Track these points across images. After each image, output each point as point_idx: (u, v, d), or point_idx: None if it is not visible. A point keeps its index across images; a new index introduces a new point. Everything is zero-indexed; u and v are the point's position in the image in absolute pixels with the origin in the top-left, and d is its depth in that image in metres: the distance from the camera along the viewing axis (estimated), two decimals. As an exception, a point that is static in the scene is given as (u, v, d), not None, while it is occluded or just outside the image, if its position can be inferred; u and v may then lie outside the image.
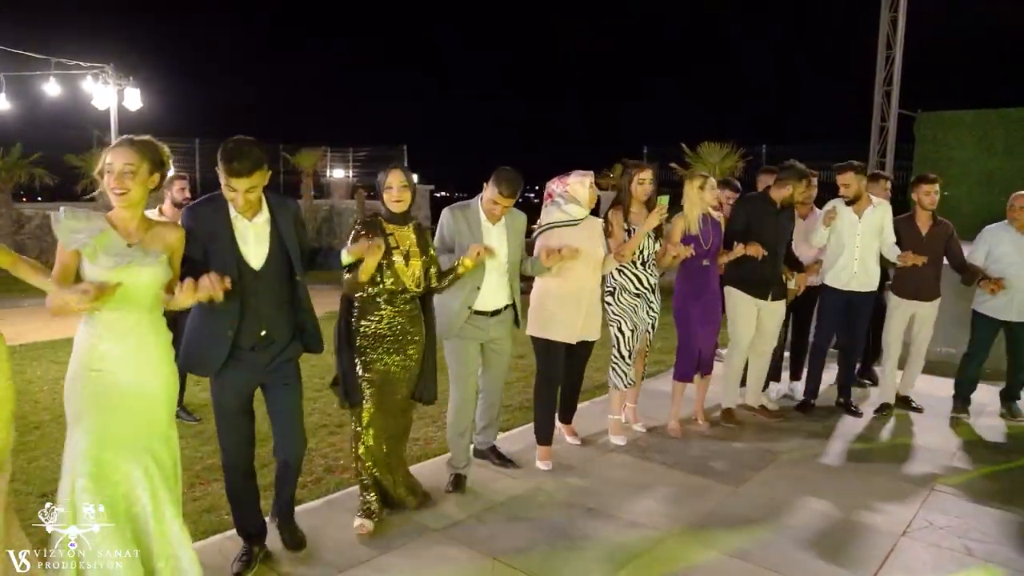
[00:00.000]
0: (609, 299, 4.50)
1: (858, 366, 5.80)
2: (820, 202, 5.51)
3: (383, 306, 3.28)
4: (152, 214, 4.90)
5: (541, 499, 3.81)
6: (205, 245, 2.76)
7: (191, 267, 2.67)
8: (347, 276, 3.18)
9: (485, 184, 3.75)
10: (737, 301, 4.92)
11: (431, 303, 3.54)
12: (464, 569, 3.09)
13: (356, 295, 3.29)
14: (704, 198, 4.58)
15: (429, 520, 3.50)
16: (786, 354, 5.84)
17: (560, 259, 3.81)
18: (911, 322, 5.34)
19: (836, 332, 5.39)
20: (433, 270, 3.46)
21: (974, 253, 5.21)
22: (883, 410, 5.35)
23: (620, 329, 4.49)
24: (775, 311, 4.99)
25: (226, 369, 2.85)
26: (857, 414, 5.30)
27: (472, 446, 4.13)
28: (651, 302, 4.53)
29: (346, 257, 3.06)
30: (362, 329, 3.29)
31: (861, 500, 3.83)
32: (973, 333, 5.30)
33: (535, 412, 4.31)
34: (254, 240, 2.81)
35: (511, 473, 4.11)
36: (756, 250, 4.59)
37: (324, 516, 3.51)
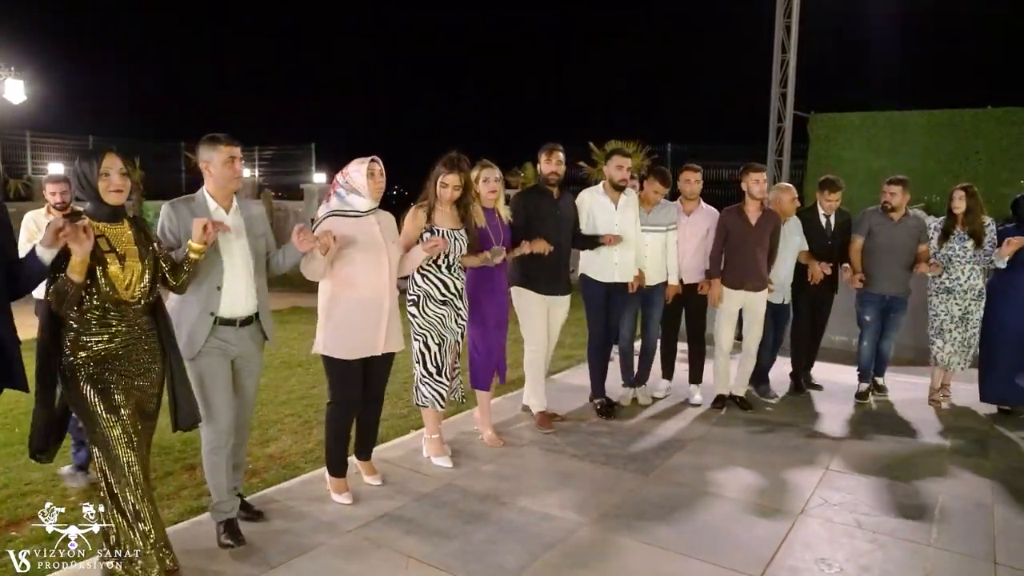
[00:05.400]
0: (413, 310, 4.05)
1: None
2: (708, 198, 5.59)
3: (111, 320, 2.67)
4: (40, 213, 4.62)
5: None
6: None
7: None
8: (52, 287, 2.54)
9: (204, 168, 3.15)
10: (527, 301, 4.77)
11: (164, 312, 2.92)
12: None
13: (71, 312, 2.63)
14: (480, 191, 4.27)
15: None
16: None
17: (315, 243, 3.23)
18: (744, 317, 5.30)
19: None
20: (166, 266, 2.89)
21: None
22: (717, 403, 5.34)
23: (426, 344, 4.05)
24: (564, 305, 4.93)
25: None
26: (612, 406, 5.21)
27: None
28: (459, 309, 4.11)
29: (44, 252, 2.41)
30: (86, 352, 2.65)
31: (762, 483, 4.04)
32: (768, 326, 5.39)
33: (327, 440, 3.76)
34: None
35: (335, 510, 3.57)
36: (542, 247, 4.46)
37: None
